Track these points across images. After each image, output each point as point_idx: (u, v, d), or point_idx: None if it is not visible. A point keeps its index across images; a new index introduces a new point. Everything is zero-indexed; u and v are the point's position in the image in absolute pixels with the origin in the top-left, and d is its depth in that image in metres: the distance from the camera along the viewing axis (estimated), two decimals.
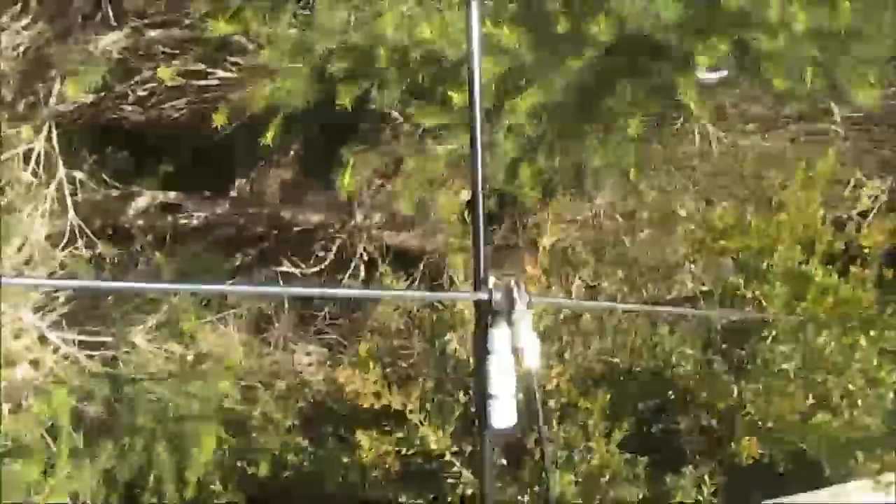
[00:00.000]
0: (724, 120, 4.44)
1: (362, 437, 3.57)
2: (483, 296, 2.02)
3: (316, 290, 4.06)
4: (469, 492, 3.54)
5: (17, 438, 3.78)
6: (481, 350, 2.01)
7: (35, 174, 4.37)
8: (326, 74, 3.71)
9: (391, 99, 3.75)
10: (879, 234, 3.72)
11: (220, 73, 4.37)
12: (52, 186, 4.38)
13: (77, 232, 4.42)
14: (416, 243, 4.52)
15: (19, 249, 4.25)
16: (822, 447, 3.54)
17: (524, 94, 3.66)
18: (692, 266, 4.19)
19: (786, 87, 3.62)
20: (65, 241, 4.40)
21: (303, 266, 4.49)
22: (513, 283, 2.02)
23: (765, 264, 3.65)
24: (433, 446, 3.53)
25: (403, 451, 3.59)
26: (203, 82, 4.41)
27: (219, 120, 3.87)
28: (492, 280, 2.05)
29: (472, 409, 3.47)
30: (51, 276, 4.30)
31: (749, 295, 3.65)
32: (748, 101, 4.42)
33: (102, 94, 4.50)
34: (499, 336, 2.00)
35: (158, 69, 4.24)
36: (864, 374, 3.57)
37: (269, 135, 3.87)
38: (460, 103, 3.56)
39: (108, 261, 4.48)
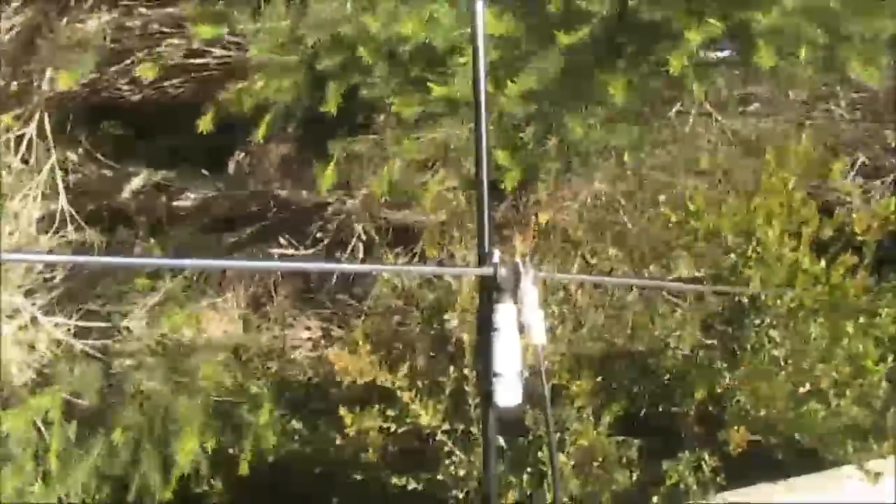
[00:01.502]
0: (723, 104, 4.38)
1: (359, 416, 3.53)
2: (488, 271, 1.98)
3: (319, 266, 4.01)
4: (462, 472, 3.50)
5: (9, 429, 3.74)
6: (486, 327, 1.97)
7: (25, 161, 4.31)
8: (316, 68, 3.64)
9: (381, 92, 3.68)
10: (871, 220, 3.63)
11: (217, 52, 4.31)
12: (44, 173, 4.32)
13: (68, 219, 4.36)
14: (414, 220, 4.46)
15: (10, 235, 4.20)
16: (813, 435, 3.52)
17: (518, 78, 3.58)
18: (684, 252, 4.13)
19: (785, 66, 3.55)
20: (55, 226, 4.33)
21: (300, 247, 4.44)
22: (518, 257, 1.98)
23: (749, 249, 3.58)
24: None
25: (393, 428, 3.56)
26: (200, 60, 4.35)
27: (204, 125, 3.81)
28: (497, 255, 2.01)
29: (466, 387, 3.45)
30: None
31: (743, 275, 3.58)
32: (749, 83, 4.36)
33: (97, 74, 4.44)
34: (504, 312, 1.96)
35: (139, 66, 4.12)
36: (851, 362, 3.52)
37: (260, 132, 3.82)
38: (441, 94, 3.51)
39: (96, 246, 4.42)
